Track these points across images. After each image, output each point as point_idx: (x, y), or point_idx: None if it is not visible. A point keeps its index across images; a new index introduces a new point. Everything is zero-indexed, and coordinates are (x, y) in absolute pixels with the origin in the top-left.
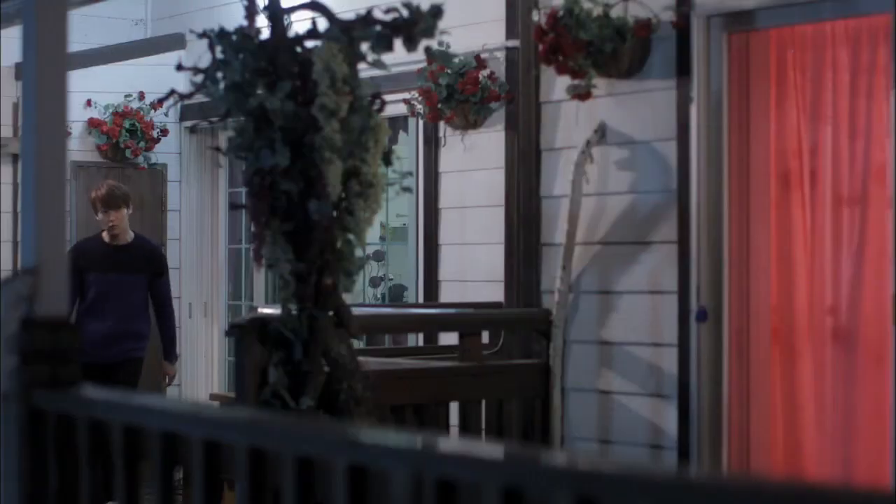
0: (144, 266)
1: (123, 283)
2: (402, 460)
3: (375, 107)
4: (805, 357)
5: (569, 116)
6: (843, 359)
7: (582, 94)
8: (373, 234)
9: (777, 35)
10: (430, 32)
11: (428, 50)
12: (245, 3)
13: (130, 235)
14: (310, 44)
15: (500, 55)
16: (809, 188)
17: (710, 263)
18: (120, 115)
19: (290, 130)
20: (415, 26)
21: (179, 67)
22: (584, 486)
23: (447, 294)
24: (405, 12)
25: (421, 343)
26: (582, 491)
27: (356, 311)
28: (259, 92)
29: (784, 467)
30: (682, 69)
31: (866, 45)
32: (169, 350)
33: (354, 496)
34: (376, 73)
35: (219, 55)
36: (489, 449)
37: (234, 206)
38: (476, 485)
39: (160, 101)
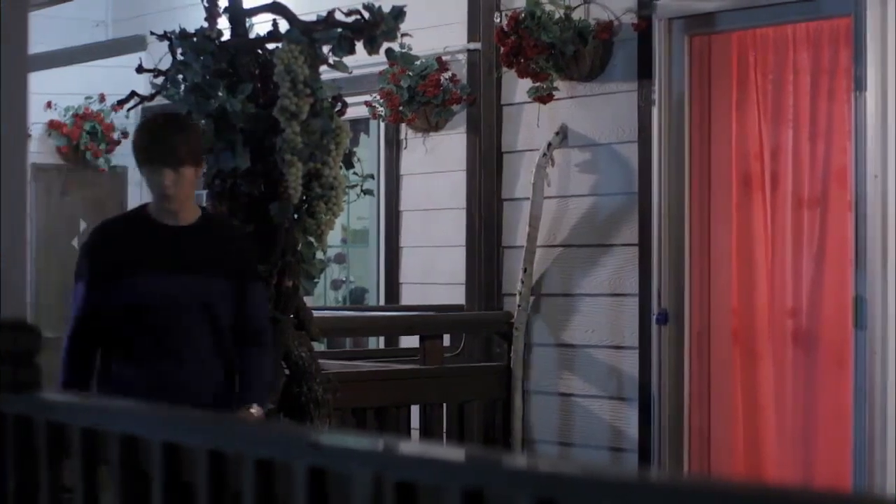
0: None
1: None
2: (363, 462)
3: (337, 109)
4: (766, 359)
5: (530, 119)
6: (803, 361)
7: (543, 97)
8: (334, 236)
9: (738, 37)
10: (391, 35)
11: (389, 52)
12: (206, 4)
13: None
14: (271, 46)
15: (462, 57)
16: (770, 190)
17: (671, 266)
18: (80, 117)
19: (251, 133)
20: (376, 28)
21: (140, 69)
22: (544, 488)
23: (408, 297)
24: (367, 14)
25: (382, 346)
26: (542, 493)
27: (317, 313)
28: (220, 94)
29: (744, 469)
30: (644, 72)
31: (827, 48)
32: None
33: (315, 499)
34: (338, 75)
35: (179, 57)
36: (450, 451)
37: None
38: (437, 487)
39: (121, 103)
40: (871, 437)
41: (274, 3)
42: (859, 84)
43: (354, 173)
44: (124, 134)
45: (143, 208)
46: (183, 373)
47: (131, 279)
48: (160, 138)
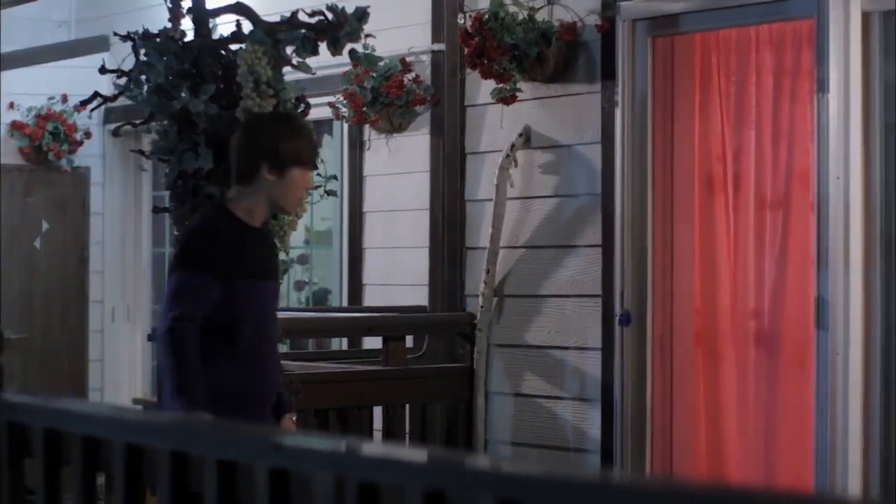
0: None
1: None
2: (325, 464)
3: (300, 110)
4: (728, 360)
5: (493, 120)
6: (765, 362)
7: (507, 98)
8: (297, 237)
9: (702, 39)
10: (355, 36)
11: (353, 53)
12: (169, 5)
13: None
14: (234, 46)
15: (426, 58)
16: (733, 192)
17: (634, 267)
18: (43, 117)
19: (214, 133)
20: (340, 29)
21: (103, 70)
22: (506, 489)
23: (371, 298)
24: (330, 15)
25: (345, 347)
26: (504, 494)
27: (280, 314)
28: (183, 94)
29: (707, 470)
30: (607, 73)
31: (790, 49)
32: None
33: (276, 500)
34: (301, 76)
35: (143, 57)
36: (412, 452)
37: (157, 210)
38: (399, 488)
39: (84, 104)
40: (832, 438)
41: (237, 3)
42: (822, 86)
43: (318, 174)
44: (87, 134)
45: (226, 209)
46: (266, 380)
47: (242, 282)
48: (310, 140)
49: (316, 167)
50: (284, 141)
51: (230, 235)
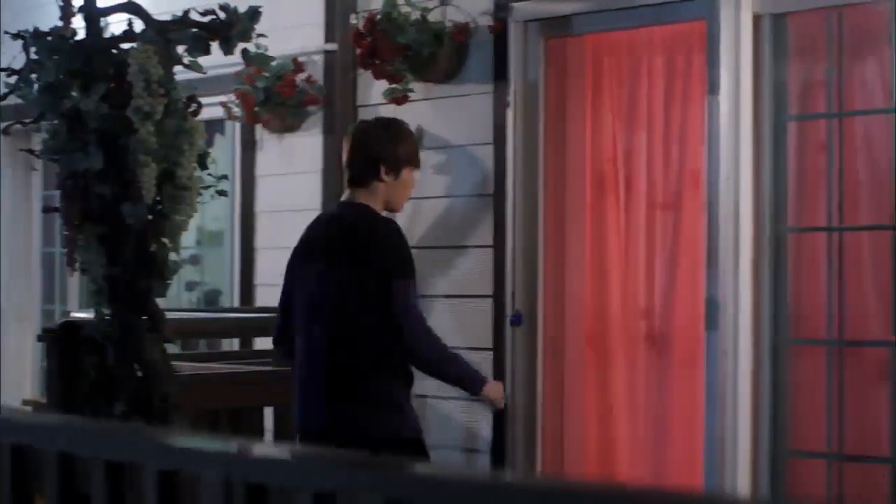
0: None
1: None
2: (214, 464)
3: (191, 109)
4: (619, 361)
5: None
6: (656, 362)
7: (399, 98)
8: (188, 237)
9: (594, 41)
10: (247, 35)
11: (245, 52)
12: (60, 3)
13: None
14: (126, 45)
15: (318, 59)
16: (624, 193)
17: (525, 267)
18: None
19: (105, 133)
20: (231, 29)
21: None
22: (396, 488)
23: (263, 298)
24: (222, 15)
25: (236, 347)
26: (394, 494)
27: (171, 315)
28: (73, 94)
29: (598, 470)
30: (499, 74)
31: (682, 52)
32: None
33: (165, 501)
34: (193, 75)
35: (33, 56)
36: (301, 453)
37: (47, 210)
38: (288, 489)
39: None
40: (722, 438)
41: (129, 2)
42: (713, 87)
43: (209, 174)
44: None
45: (374, 208)
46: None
47: None
48: (416, 143)
49: (420, 167)
50: (399, 144)
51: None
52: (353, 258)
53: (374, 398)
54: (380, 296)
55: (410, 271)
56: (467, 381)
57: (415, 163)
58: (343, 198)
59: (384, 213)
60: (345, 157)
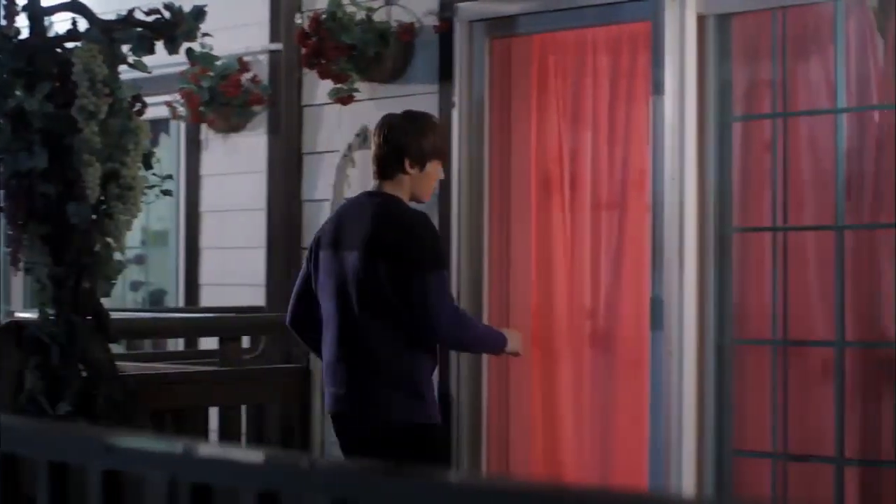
0: None
1: None
2: (158, 465)
3: (136, 109)
4: (564, 361)
5: (331, 120)
6: (601, 362)
7: (344, 98)
8: (133, 237)
9: (539, 41)
10: (191, 35)
11: (189, 52)
12: (4, 2)
13: None
14: (70, 45)
15: (264, 58)
16: (570, 193)
17: (470, 267)
18: None
19: (49, 132)
20: (176, 28)
21: None
22: (341, 489)
23: (208, 298)
24: (167, 14)
25: (181, 348)
26: (338, 494)
27: (115, 315)
28: (17, 93)
29: (543, 470)
30: (445, 74)
31: (626, 52)
32: None
33: (109, 501)
34: (138, 74)
35: None
36: (246, 453)
37: None
38: (232, 489)
39: None
40: (667, 438)
41: (73, 1)
42: (657, 88)
43: (154, 174)
44: None
45: (401, 199)
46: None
47: None
48: (443, 135)
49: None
50: (423, 137)
51: None
52: (379, 247)
53: (395, 383)
54: (406, 284)
55: (437, 260)
56: (497, 348)
57: (440, 155)
58: (370, 188)
59: (411, 204)
60: (373, 149)
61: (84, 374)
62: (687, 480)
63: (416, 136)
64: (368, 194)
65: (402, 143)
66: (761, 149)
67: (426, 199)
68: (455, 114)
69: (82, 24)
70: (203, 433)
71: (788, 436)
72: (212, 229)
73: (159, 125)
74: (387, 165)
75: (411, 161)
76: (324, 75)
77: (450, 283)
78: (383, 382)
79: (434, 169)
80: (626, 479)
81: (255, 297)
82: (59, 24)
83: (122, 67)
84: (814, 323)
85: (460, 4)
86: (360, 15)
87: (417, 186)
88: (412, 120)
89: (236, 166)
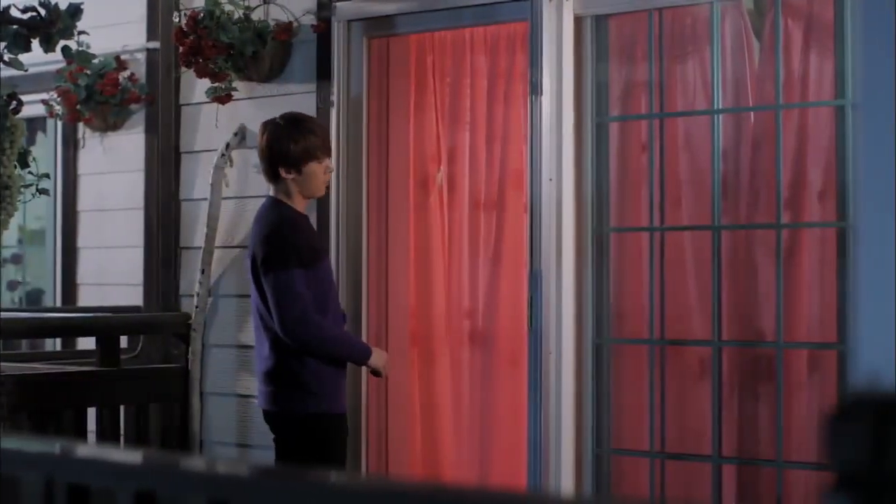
0: None
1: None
2: (34, 466)
3: (12, 107)
4: (443, 360)
5: (209, 119)
6: (480, 362)
7: (222, 97)
8: (10, 236)
9: (417, 40)
10: (68, 32)
11: (66, 50)
12: None
13: None
14: None
15: (141, 56)
16: (448, 193)
17: (349, 267)
18: None
19: None
20: (52, 26)
21: None
22: (218, 490)
23: (86, 298)
24: (43, 12)
25: (59, 348)
26: (216, 495)
27: None
28: None
29: (422, 470)
30: (323, 73)
31: (504, 52)
32: None
33: None
34: (14, 72)
35: None
36: (123, 454)
37: None
38: (109, 490)
39: None
40: (545, 437)
41: None
42: (535, 88)
43: (30, 172)
44: None
45: (284, 203)
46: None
47: (325, 266)
48: (320, 132)
49: (330, 154)
50: (294, 143)
51: (307, 227)
52: (252, 252)
53: (278, 377)
54: (262, 285)
55: (283, 261)
56: (354, 357)
57: (318, 155)
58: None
59: (305, 202)
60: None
61: None
62: (566, 479)
63: (287, 142)
64: (265, 198)
65: (275, 150)
66: (638, 149)
67: (320, 195)
68: (333, 113)
69: None
70: (81, 434)
71: (666, 434)
72: (89, 229)
73: (36, 123)
74: (266, 173)
75: (286, 168)
76: (201, 74)
77: (303, 284)
78: (270, 380)
79: (314, 169)
80: (505, 478)
81: (133, 296)
82: None
83: None
84: (691, 322)
85: (338, 4)
86: (238, 14)
87: (303, 187)
88: (286, 126)
89: (114, 165)
